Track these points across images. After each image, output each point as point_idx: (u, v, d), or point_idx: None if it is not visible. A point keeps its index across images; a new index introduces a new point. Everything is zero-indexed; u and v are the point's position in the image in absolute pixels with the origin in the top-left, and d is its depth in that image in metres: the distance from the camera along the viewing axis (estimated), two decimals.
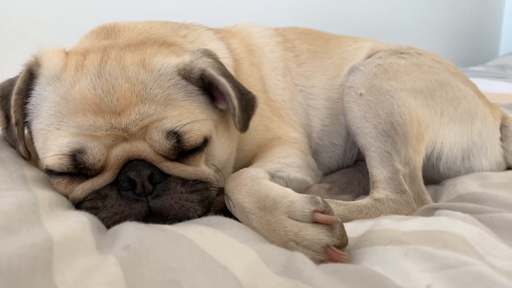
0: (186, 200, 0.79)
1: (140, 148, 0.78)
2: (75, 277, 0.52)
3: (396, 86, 1.13)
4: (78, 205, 0.79)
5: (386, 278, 0.57)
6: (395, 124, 1.07)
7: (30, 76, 0.86)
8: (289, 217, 0.72)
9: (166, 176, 0.79)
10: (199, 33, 1.20)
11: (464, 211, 0.84)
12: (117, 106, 0.78)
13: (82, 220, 0.67)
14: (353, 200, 1.09)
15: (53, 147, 0.78)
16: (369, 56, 1.36)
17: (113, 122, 0.78)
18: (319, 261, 0.66)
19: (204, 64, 0.87)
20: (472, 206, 0.87)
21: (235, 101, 0.87)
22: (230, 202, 0.84)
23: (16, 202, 0.64)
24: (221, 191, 0.88)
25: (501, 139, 1.26)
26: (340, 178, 1.28)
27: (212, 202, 0.85)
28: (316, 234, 0.68)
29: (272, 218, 0.74)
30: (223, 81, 0.86)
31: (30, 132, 0.88)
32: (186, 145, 0.80)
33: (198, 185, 0.82)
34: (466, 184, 1.05)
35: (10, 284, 0.47)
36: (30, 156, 0.88)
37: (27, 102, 0.85)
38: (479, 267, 0.58)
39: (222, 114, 0.95)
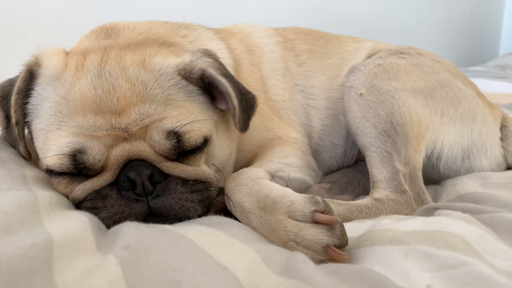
0: (186, 200, 0.79)
1: (140, 148, 0.78)
2: (75, 277, 0.52)
3: (396, 86, 1.13)
4: (78, 205, 0.79)
5: (386, 278, 0.57)
6: (395, 124, 1.07)
7: (30, 76, 0.86)
8: (289, 217, 0.72)
9: (166, 176, 0.79)
10: (199, 33, 1.20)
11: (464, 211, 0.84)
12: (117, 106, 0.78)
13: (82, 220, 0.67)
14: (353, 200, 1.09)
15: (53, 147, 0.78)
16: (369, 56, 1.36)
17: (113, 122, 0.78)
18: (319, 261, 0.66)
19: (204, 64, 0.87)
20: (472, 206, 0.87)
21: (235, 101, 0.87)
22: (230, 202, 0.84)
23: (16, 202, 0.64)
24: (221, 191, 0.88)
25: (501, 139, 1.26)
26: (340, 178, 1.28)
27: (212, 202, 0.85)
28: (316, 234, 0.68)
29: (272, 218, 0.74)
30: (223, 81, 0.86)
31: (30, 132, 0.88)
32: (186, 145, 0.81)
33: (198, 185, 0.82)
34: (466, 184, 1.05)
35: (10, 284, 0.47)
36: (30, 156, 0.88)
37: (27, 102, 0.86)
38: (479, 267, 0.58)
39: (222, 114, 0.95)
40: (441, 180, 1.19)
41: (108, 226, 0.74)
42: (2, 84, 0.90)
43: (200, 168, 0.84)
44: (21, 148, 0.86)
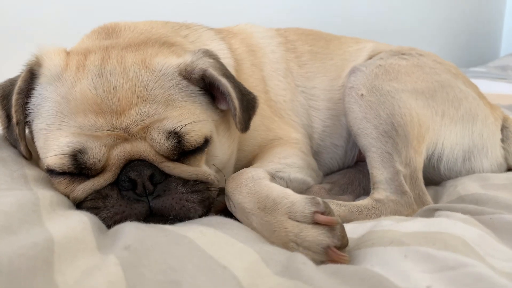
0: (186, 200, 0.79)
1: (141, 148, 0.78)
2: (76, 277, 0.52)
3: (397, 87, 1.13)
4: (79, 205, 0.79)
5: (386, 279, 0.57)
6: (396, 125, 1.07)
7: (31, 75, 0.86)
8: (289, 218, 0.72)
9: (166, 176, 0.79)
10: (200, 33, 1.20)
11: (465, 212, 0.84)
12: (118, 106, 0.78)
13: (83, 220, 0.67)
14: (354, 201, 1.09)
15: (54, 147, 0.78)
16: (370, 57, 1.36)
17: (114, 122, 0.78)
18: (319, 262, 0.66)
19: (205, 64, 0.87)
20: (473, 207, 0.87)
21: (236, 102, 0.87)
22: (231, 203, 0.84)
23: (16, 202, 0.64)
24: (222, 191, 0.88)
25: (502, 140, 1.26)
26: (341, 179, 1.28)
27: (213, 202, 0.85)
28: (317, 235, 0.68)
29: (273, 219, 0.74)
30: (224, 81, 0.86)
31: (31, 132, 0.88)
32: (186, 146, 0.81)
33: (199, 185, 0.82)
34: (467, 185, 1.05)
35: (11, 284, 0.47)
36: (31, 156, 0.88)
37: (28, 102, 0.86)
38: (479, 268, 0.58)
39: (223, 114, 0.95)
40: (442, 181, 1.19)
41: (109, 226, 0.74)
42: (3, 83, 0.90)
43: (200, 169, 0.84)
44: (22, 147, 0.86)
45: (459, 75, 1.30)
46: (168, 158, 0.81)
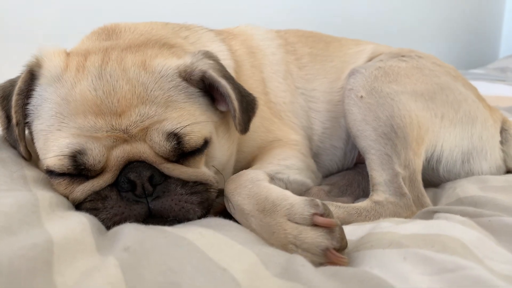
0: (186, 202, 0.79)
1: (140, 149, 0.79)
2: (75, 278, 0.52)
3: (396, 89, 1.13)
4: (78, 206, 0.79)
5: (385, 281, 0.57)
6: (395, 127, 1.07)
7: (31, 76, 0.86)
8: (288, 219, 0.72)
9: (166, 177, 0.79)
10: (200, 34, 1.20)
11: (463, 214, 0.84)
12: (117, 107, 0.78)
13: (82, 221, 0.67)
14: (353, 202, 1.09)
15: (53, 148, 0.78)
16: (370, 59, 1.36)
17: (114, 124, 0.78)
18: (318, 264, 0.66)
19: (205, 66, 0.87)
20: (471, 209, 0.87)
21: (235, 103, 0.87)
22: (230, 204, 0.84)
23: (16, 203, 0.64)
24: (221, 192, 0.88)
25: (501, 143, 1.26)
26: (340, 180, 1.29)
27: (212, 203, 0.85)
28: (316, 237, 0.68)
29: (272, 221, 0.74)
30: (223, 83, 0.86)
31: (30, 133, 0.88)
32: (186, 147, 0.81)
33: (198, 186, 0.82)
34: (466, 187, 1.05)
35: (10, 285, 0.47)
36: (30, 157, 0.88)
37: (28, 103, 0.86)
38: (478, 271, 0.58)
39: (223, 115, 0.95)
40: (441, 183, 1.19)
41: (108, 227, 0.74)
42: (3, 84, 0.90)
43: (200, 170, 0.84)
44: (22, 148, 0.86)
45: (459, 77, 1.30)
46: (168, 159, 0.81)
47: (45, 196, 0.72)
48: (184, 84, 0.85)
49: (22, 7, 2.08)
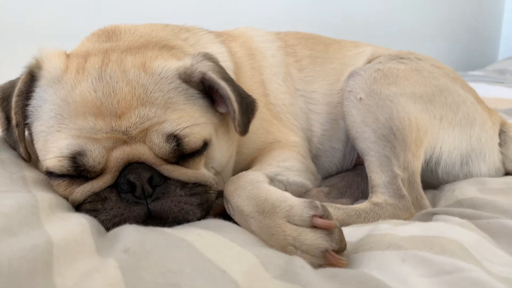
0: (185, 203, 0.79)
1: (140, 151, 0.79)
2: (75, 280, 0.52)
3: (395, 91, 1.14)
4: (78, 207, 0.79)
5: (384, 283, 0.58)
6: (394, 129, 1.07)
7: (31, 78, 0.86)
8: (288, 221, 0.72)
9: (165, 179, 0.79)
10: (200, 36, 1.20)
11: (462, 216, 0.84)
12: (117, 109, 0.78)
13: (82, 223, 0.67)
14: (352, 204, 1.09)
15: (53, 149, 0.78)
16: (369, 61, 1.37)
17: (114, 125, 0.78)
18: (317, 266, 0.67)
19: (204, 67, 0.88)
20: (470, 211, 0.87)
21: (235, 105, 0.87)
22: (229, 206, 0.84)
23: (16, 204, 0.64)
24: (221, 194, 0.88)
25: (500, 145, 1.26)
26: (339, 182, 1.29)
27: (211, 205, 0.85)
28: (315, 239, 0.68)
29: (271, 222, 0.74)
30: (223, 84, 0.86)
31: (30, 134, 0.88)
32: (186, 148, 0.81)
33: (198, 188, 0.82)
34: (465, 189, 1.06)
35: (10, 286, 0.47)
36: (30, 158, 0.88)
37: (28, 104, 0.86)
38: (476, 273, 0.59)
39: (222, 117, 0.95)
40: (440, 185, 1.20)
41: (108, 229, 0.74)
42: (3, 85, 0.90)
43: (199, 171, 0.85)
44: (21, 150, 0.86)
45: (457, 79, 1.30)
46: (167, 161, 0.81)
47: (44, 197, 0.72)
48: (184, 85, 0.86)
49: (22, 7, 2.08)
